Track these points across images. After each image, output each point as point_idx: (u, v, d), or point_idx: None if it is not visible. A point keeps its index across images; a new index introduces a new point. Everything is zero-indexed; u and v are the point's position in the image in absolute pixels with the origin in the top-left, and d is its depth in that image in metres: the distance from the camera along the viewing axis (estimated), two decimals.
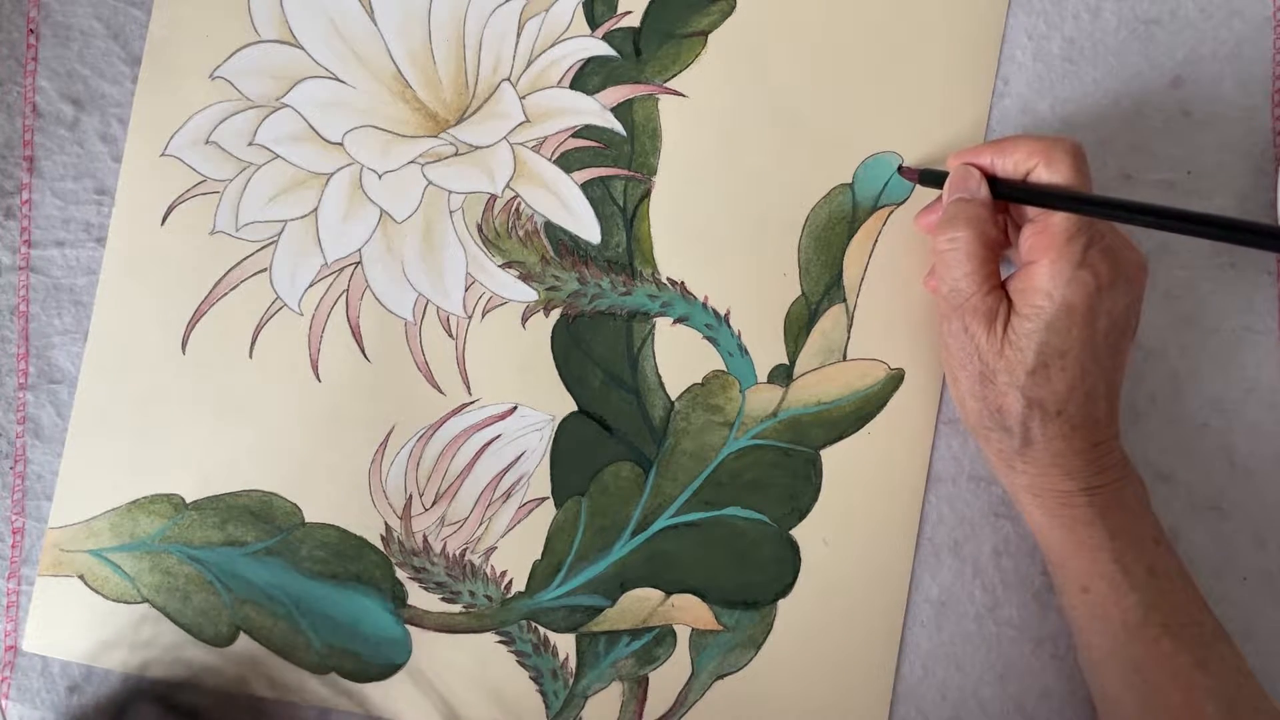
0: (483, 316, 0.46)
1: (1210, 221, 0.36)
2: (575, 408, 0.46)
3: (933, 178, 0.43)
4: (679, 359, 0.46)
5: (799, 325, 0.46)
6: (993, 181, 0.40)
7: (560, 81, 0.46)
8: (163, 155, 0.46)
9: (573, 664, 0.45)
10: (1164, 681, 0.38)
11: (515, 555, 0.45)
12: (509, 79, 0.46)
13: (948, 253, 0.40)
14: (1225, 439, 0.46)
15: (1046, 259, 0.38)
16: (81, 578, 0.45)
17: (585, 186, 0.46)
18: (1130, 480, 0.41)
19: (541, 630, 0.45)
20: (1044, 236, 0.39)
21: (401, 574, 0.45)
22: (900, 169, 0.45)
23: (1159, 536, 0.40)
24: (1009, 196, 0.40)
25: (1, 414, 0.46)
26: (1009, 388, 0.39)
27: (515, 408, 0.46)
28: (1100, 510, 0.39)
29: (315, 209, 0.46)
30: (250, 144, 0.46)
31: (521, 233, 0.46)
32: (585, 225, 0.46)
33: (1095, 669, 0.41)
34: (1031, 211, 0.40)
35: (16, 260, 0.46)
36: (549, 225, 0.46)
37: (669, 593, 0.45)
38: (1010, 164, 0.40)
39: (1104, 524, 0.39)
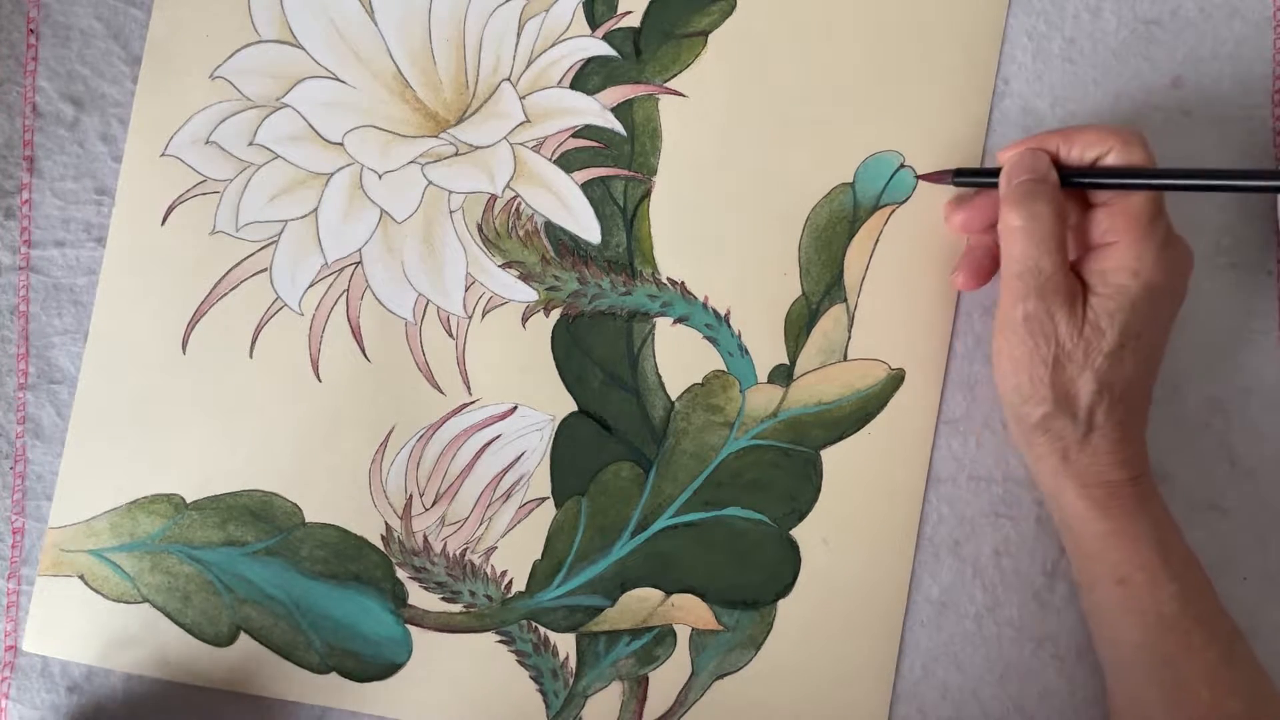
0: (483, 316, 0.46)
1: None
2: (575, 408, 0.46)
3: (973, 175, 0.43)
4: (679, 359, 0.46)
5: (799, 325, 0.46)
6: (1058, 168, 0.40)
7: (560, 81, 0.46)
8: (163, 155, 0.46)
9: (573, 664, 0.45)
10: (1191, 676, 0.39)
11: (515, 555, 0.45)
12: (509, 79, 0.46)
13: (1022, 229, 0.39)
14: (1225, 439, 0.46)
15: (1128, 239, 0.39)
16: (81, 578, 0.45)
17: (585, 186, 0.46)
18: (1149, 473, 0.41)
19: (541, 630, 0.45)
20: (1124, 218, 0.39)
21: (402, 574, 0.45)
22: (921, 175, 0.45)
23: (1179, 529, 0.41)
24: (1083, 181, 0.40)
25: (1, 414, 0.46)
26: (1083, 370, 0.39)
27: (515, 408, 0.46)
28: (1142, 500, 0.40)
29: (315, 209, 0.46)
30: (250, 144, 0.46)
31: (521, 233, 0.46)
32: (585, 225, 0.46)
33: (1120, 665, 0.41)
34: (1102, 196, 0.40)
35: (16, 260, 0.46)
36: (549, 225, 0.46)
37: (669, 593, 0.45)
38: (1076, 151, 0.40)
39: (1146, 513, 0.40)
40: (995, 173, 0.42)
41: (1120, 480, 0.40)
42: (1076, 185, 0.40)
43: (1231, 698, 0.38)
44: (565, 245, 0.46)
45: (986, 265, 0.43)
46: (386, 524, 0.45)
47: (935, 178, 0.44)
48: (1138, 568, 0.40)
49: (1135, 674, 0.40)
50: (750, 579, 0.45)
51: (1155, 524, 0.40)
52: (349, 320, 0.46)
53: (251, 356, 0.46)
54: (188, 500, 0.45)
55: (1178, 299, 0.41)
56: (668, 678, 0.45)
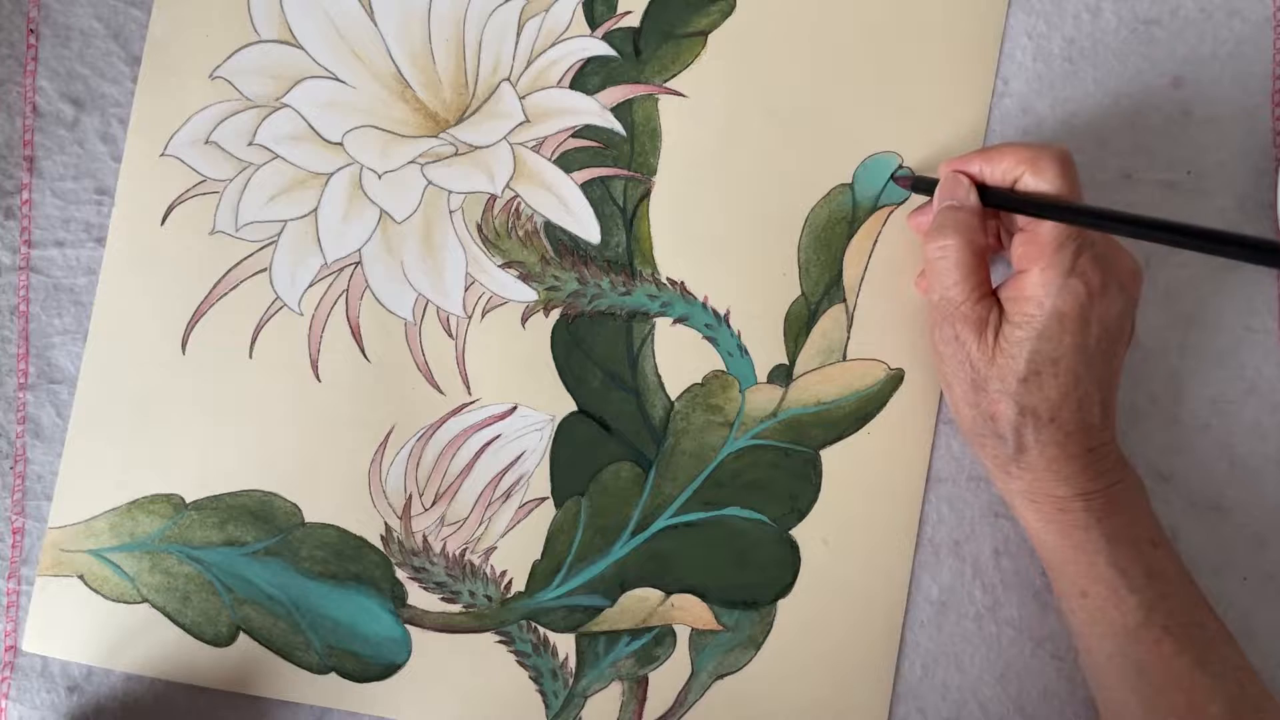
0: (483, 316, 0.46)
1: (1197, 234, 0.35)
2: (575, 408, 0.46)
3: (925, 184, 0.44)
4: (679, 359, 0.46)
5: (799, 325, 0.46)
6: (982, 189, 0.40)
7: (560, 81, 0.46)
8: (163, 155, 0.46)
9: (572, 664, 0.45)
10: (1167, 683, 0.38)
11: (515, 555, 0.45)
12: (509, 79, 0.46)
13: (938, 260, 0.40)
14: (1225, 439, 0.46)
15: (1036, 267, 0.38)
16: (81, 578, 0.45)
17: (585, 186, 0.46)
18: (1128, 483, 0.41)
19: (541, 630, 0.45)
20: (1033, 245, 0.39)
21: (401, 574, 0.45)
22: (894, 177, 0.45)
23: (1157, 538, 0.40)
24: (997, 204, 0.40)
25: (1, 414, 0.46)
26: (1001, 395, 0.39)
27: (515, 408, 0.46)
28: (1097, 515, 0.39)
29: (315, 209, 0.46)
30: (250, 144, 0.46)
31: (521, 233, 0.46)
32: (585, 225, 0.46)
33: (1097, 673, 0.41)
34: (1021, 220, 0.40)
35: (16, 260, 0.46)
36: (549, 225, 0.46)
37: (669, 593, 0.45)
38: (999, 171, 0.40)
39: (1100, 528, 0.39)
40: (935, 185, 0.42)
41: (1065, 496, 0.39)
42: (996, 207, 0.40)
43: (1211, 703, 0.38)
44: (565, 245, 0.46)
45: None
46: (386, 524, 0.45)
47: (901, 180, 0.45)
48: (1094, 580, 0.39)
49: (1112, 680, 0.40)
50: (750, 579, 0.45)
51: (1110, 539, 0.39)
52: (349, 320, 0.46)
53: (251, 356, 0.46)
54: (187, 500, 0.45)
55: (1107, 324, 0.39)
56: (667, 678, 0.45)
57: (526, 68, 0.46)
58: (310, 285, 0.46)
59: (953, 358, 0.40)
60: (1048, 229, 0.38)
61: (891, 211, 0.46)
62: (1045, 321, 0.38)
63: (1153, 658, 0.38)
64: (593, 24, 0.46)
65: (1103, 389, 0.40)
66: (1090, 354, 0.39)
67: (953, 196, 0.41)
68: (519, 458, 0.46)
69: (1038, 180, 0.39)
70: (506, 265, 0.46)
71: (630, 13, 0.46)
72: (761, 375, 0.46)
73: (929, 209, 0.43)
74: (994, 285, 0.41)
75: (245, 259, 0.46)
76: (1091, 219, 0.37)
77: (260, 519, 0.45)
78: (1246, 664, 0.39)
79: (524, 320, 0.46)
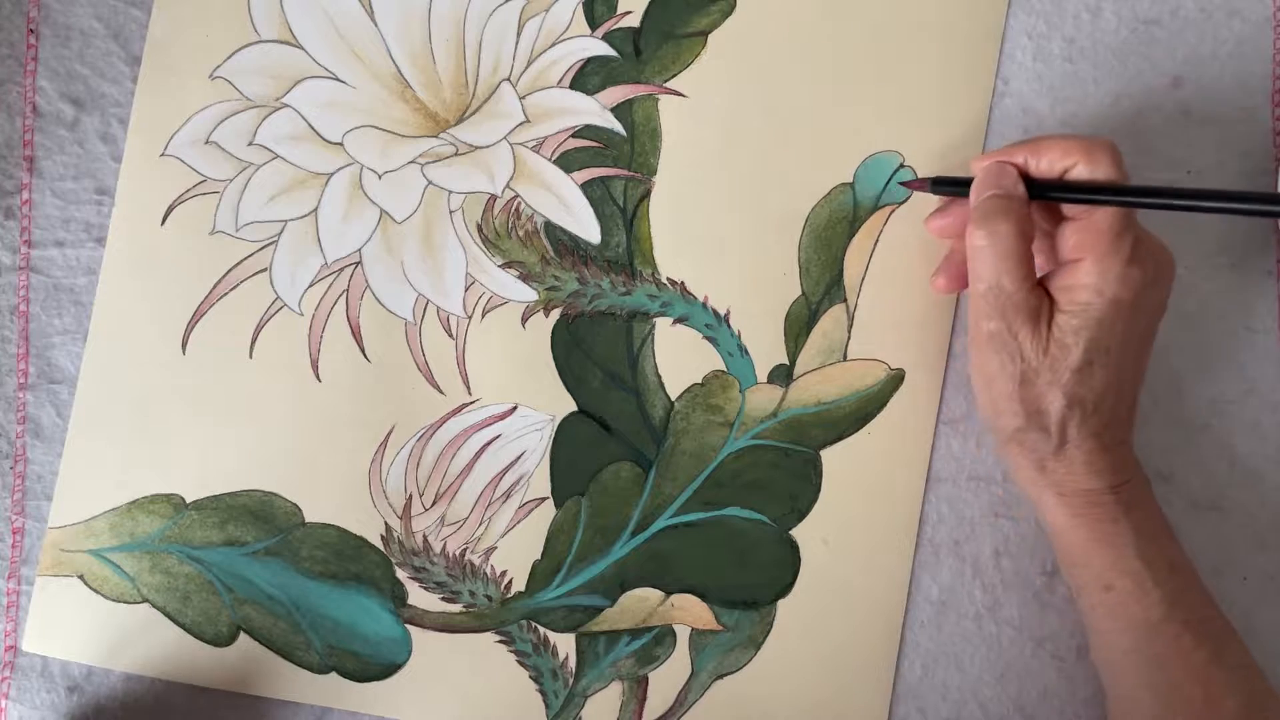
0: (483, 316, 0.46)
1: (1263, 199, 0.36)
2: (575, 408, 0.46)
3: (949, 183, 0.43)
4: (679, 359, 0.46)
5: (799, 325, 0.46)
6: (1027, 180, 0.40)
7: (560, 81, 0.46)
8: (163, 155, 0.46)
9: (572, 664, 0.45)
10: (1184, 678, 0.39)
11: (515, 555, 0.45)
12: (509, 79, 0.46)
13: (986, 248, 0.39)
14: (1225, 439, 0.46)
15: (1093, 255, 0.38)
16: (81, 578, 0.45)
17: (585, 186, 0.46)
18: (1141, 478, 0.41)
19: (541, 630, 0.45)
20: (1090, 234, 0.39)
21: (401, 574, 0.45)
22: (903, 181, 0.45)
23: (1170, 533, 0.41)
24: (1050, 194, 0.40)
25: (1, 414, 0.46)
26: (1050, 386, 0.39)
27: (515, 408, 0.46)
28: (1124, 508, 0.40)
29: (315, 209, 0.46)
30: (250, 144, 0.46)
31: (521, 233, 0.46)
32: (585, 225, 0.46)
33: (1113, 668, 0.41)
34: (1071, 209, 0.40)
35: (16, 260, 0.46)
36: (549, 225, 0.46)
37: (669, 593, 0.45)
38: (1045, 163, 0.40)
39: (1128, 521, 0.39)
40: (969, 182, 0.41)
41: (1098, 489, 0.40)
42: (1044, 198, 0.40)
43: (1226, 697, 0.38)
44: (565, 245, 0.46)
45: (965, 271, 0.43)
46: (386, 524, 0.45)
47: (917, 185, 0.45)
48: (1121, 574, 0.39)
49: (1128, 676, 0.40)
50: (750, 579, 0.45)
51: (1137, 531, 0.39)
52: (349, 320, 0.46)
53: (251, 356, 0.46)
54: (187, 500, 0.45)
55: (1152, 313, 0.40)
56: (668, 678, 0.45)
57: (527, 68, 0.46)
58: (310, 285, 0.46)
59: (1000, 352, 0.39)
60: (1105, 217, 0.38)
61: (892, 211, 0.46)
62: (1104, 310, 0.38)
63: (1171, 652, 0.39)
64: (593, 24, 0.46)
65: (1136, 379, 0.40)
66: (1135, 343, 0.39)
67: (998, 186, 0.40)
68: (519, 458, 0.46)
69: (1093, 170, 0.39)
70: (506, 265, 0.46)
71: (630, 13, 0.46)
72: (762, 375, 0.46)
73: (950, 210, 0.43)
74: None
75: (245, 259, 0.46)
76: (1153, 199, 0.38)
77: (260, 519, 0.45)
78: (1254, 660, 0.40)
79: (524, 320, 0.46)
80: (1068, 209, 0.40)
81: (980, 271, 0.40)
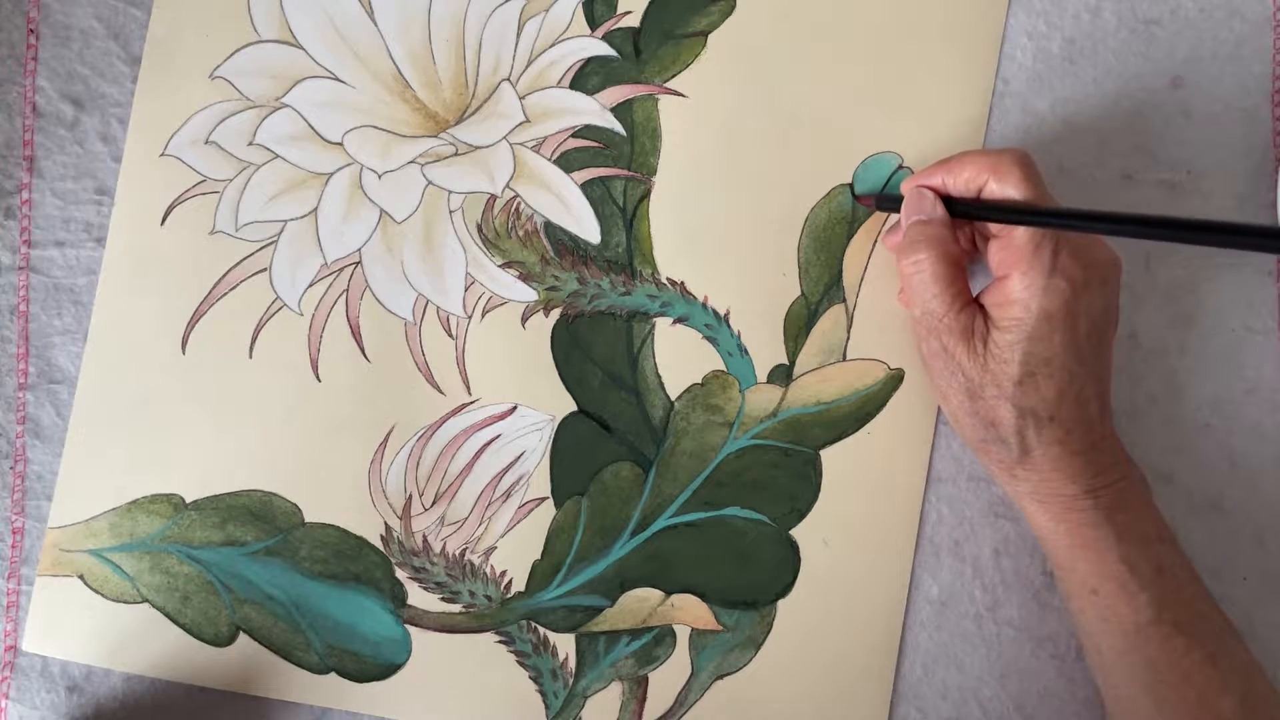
0: (483, 316, 0.46)
1: (1165, 224, 0.35)
2: (575, 408, 0.46)
3: (889, 202, 0.44)
4: (679, 359, 0.46)
5: (799, 325, 0.46)
6: (948, 200, 0.41)
7: (560, 81, 0.46)
8: (163, 155, 0.46)
9: (572, 664, 0.45)
10: (1178, 680, 0.38)
11: (515, 555, 0.45)
12: (509, 79, 0.46)
13: (913, 276, 0.40)
14: (1225, 439, 0.46)
15: (1017, 271, 0.38)
16: (81, 578, 0.45)
17: (585, 186, 0.46)
18: (1132, 478, 0.41)
19: (541, 630, 0.45)
20: (1010, 250, 0.39)
21: (401, 574, 0.45)
22: (856, 196, 0.45)
23: (1164, 534, 0.40)
24: (965, 214, 0.40)
25: (1, 414, 0.46)
26: (998, 400, 0.39)
27: (515, 408, 0.46)
28: (1105, 511, 0.39)
29: (315, 209, 0.46)
30: (250, 144, 0.46)
31: (521, 233, 0.46)
32: (585, 225, 0.46)
33: (1107, 671, 0.41)
34: (994, 226, 0.40)
35: (16, 260, 0.46)
36: (549, 225, 0.46)
37: (669, 593, 0.45)
38: (962, 181, 0.40)
39: (1109, 525, 0.39)
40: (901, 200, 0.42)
41: (1073, 494, 0.40)
42: (963, 217, 0.41)
43: (1222, 697, 0.38)
44: (565, 245, 0.46)
45: None
46: (386, 524, 0.45)
47: (865, 200, 0.45)
48: (1104, 578, 0.39)
49: (1122, 679, 0.40)
50: (750, 579, 0.45)
51: (1120, 535, 0.39)
52: (349, 320, 0.46)
53: (251, 356, 0.46)
54: (187, 500, 0.45)
55: (1097, 316, 0.39)
56: (667, 678, 0.45)
57: (526, 68, 0.46)
58: (310, 285, 0.46)
59: (944, 370, 0.40)
60: (1021, 233, 0.38)
61: (861, 205, 0.46)
62: (1034, 324, 0.38)
63: (1164, 654, 0.39)
64: (593, 24, 0.46)
65: (1097, 382, 0.40)
66: (1081, 349, 0.39)
67: (919, 211, 0.41)
68: (519, 458, 0.46)
69: (1002, 186, 0.39)
70: (506, 265, 0.46)
71: (630, 13, 0.46)
72: (761, 375, 0.46)
73: (899, 226, 0.43)
74: (975, 292, 0.41)
75: (245, 259, 0.46)
76: (1055, 219, 0.37)
77: (260, 519, 0.45)
78: (1254, 659, 0.39)
79: (524, 320, 0.46)
80: (990, 228, 0.40)
81: (912, 297, 0.41)
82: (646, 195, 0.46)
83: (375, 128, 0.46)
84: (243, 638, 0.45)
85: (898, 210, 0.43)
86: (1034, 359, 0.38)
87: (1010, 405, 0.39)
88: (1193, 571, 0.40)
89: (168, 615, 0.45)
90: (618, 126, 0.46)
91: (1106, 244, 0.40)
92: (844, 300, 0.46)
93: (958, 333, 0.40)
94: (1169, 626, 0.39)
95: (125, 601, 0.45)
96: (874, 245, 0.46)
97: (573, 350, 0.46)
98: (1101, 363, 0.40)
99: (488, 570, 0.45)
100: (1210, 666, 0.38)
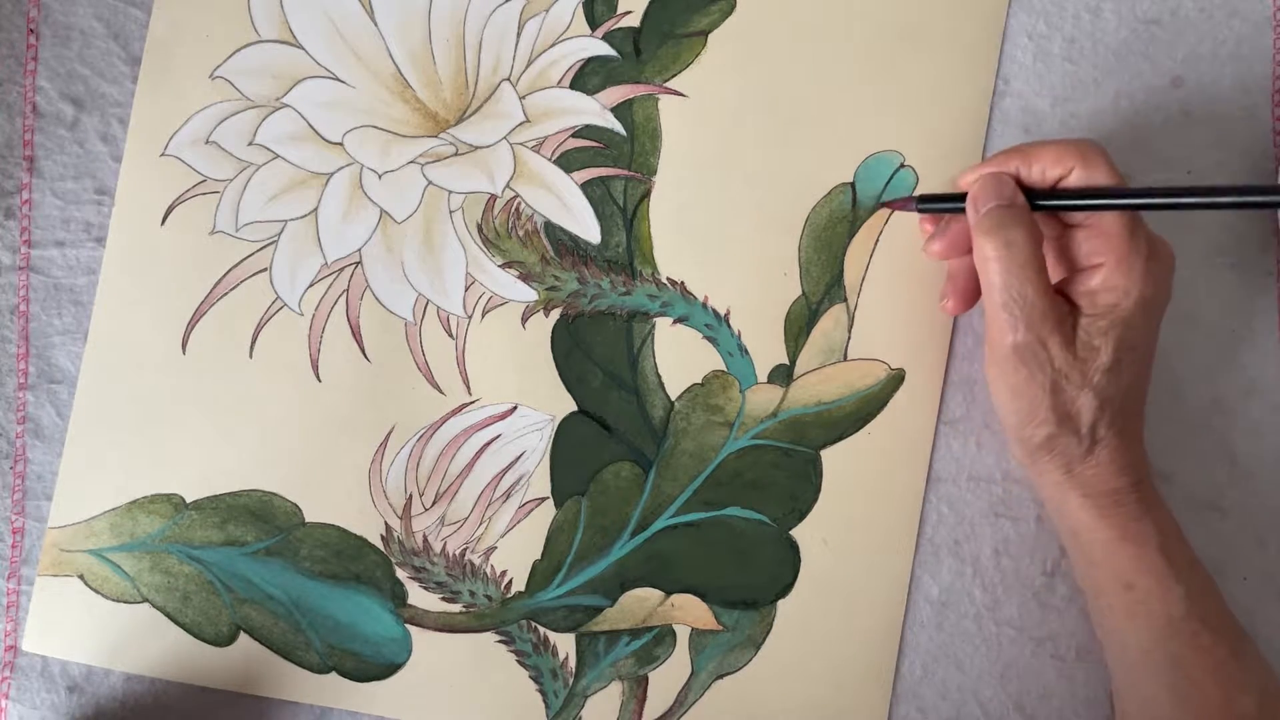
0: (483, 316, 0.46)
1: (1262, 191, 0.37)
2: (575, 408, 0.46)
3: (939, 200, 0.43)
4: (679, 359, 0.46)
5: (799, 325, 0.46)
6: (1028, 190, 0.40)
7: (560, 81, 0.46)
8: (163, 155, 0.46)
9: (572, 664, 0.45)
10: (1203, 676, 0.39)
11: (515, 555, 0.45)
12: (509, 79, 0.46)
13: (1001, 259, 0.38)
14: (1225, 439, 0.46)
15: (1113, 258, 0.39)
16: (81, 578, 0.45)
17: (585, 186, 0.46)
18: (1152, 478, 0.41)
19: (541, 630, 0.45)
20: (1103, 238, 0.39)
21: (401, 574, 0.45)
22: (884, 202, 0.45)
23: (1182, 533, 0.41)
24: (1052, 203, 0.39)
25: (1, 414, 0.46)
26: (1081, 389, 0.39)
27: (515, 408, 0.46)
28: (1146, 505, 0.40)
29: (315, 209, 0.46)
30: (250, 144, 0.46)
31: (521, 233, 0.46)
32: (585, 225, 0.46)
33: (1129, 669, 0.41)
34: (1076, 217, 0.40)
35: (16, 260, 0.46)
36: (549, 225, 0.46)
37: (669, 593, 0.45)
38: (1036, 171, 0.40)
39: (1151, 518, 0.40)
40: (960, 198, 0.41)
41: (1123, 486, 0.40)
42: (1043, 209, 0.40)
43: (1243, 694, 0.38)
44: (565, 245, 0.46)
45: (973, 287, 0.42)
46: (386, 524, 0.45)
47: (899, 205, 0.44)
48: (1143, 572, 0.39)
49: (1145, 676, 0.40)
50: (750, 579, 0.45)
51: (1159, 528, 0.40)
52: (349, 320, 0.46)
53: (251, 356, 0.46)
54: (187, 500, 0.45)
55: (1166, 302, 0.40)
56: (667, 678, 0.45)
57: (527, 68, 0.46)
58: (310, 285, 0.46)
59: (1028, 363, 0.39)
60: (1114, 220, 0.39)
61: (893, 211, 0.46)
62: (1132, 309, 0.38)
63: (1190, 649, 0.39)
64: (593, 24, 0.46)
65: (1150, 372, 0.41)
66: (1154, 335, 0.40)
67: (999, 197, 0.39)
68: (519, 458, 0.46)
69: (1090, 175, 0.39)
70: (506, 265, 0.46)
71: (630, 13, 0.46)
72: (762, 375, 0.46)
73: (950, 230, 0.42)
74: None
75: (245, 259, 0.46)
76: (1167, 199, 0.38)
77: (260, 519, 0.45)
78: (1266, 659, 0.40)
79: (524, 320, 0.46)
80: (1072, 216, 0.40)
81: (997, 284, 0.39)
82: (646, 195, 0.46)
83: (375, 128, 0.46)
84: (243, 637, 0.45)
85: (947, 210, 0.42)
86: (1124, 345, 0.39)
87: (1093, 394, 0.39)
88: (1207, 569, 0.41)
89: (168, 615, 0.45)
90: (618, 126, 0.46)
91: (1159, 235, 0.41)
92: (845, 300, 0.46)
93: (1053, 319, 0.38)
94: (1197, 622, 0.39)
95: (125, 601, 0.45)
96: (875, 245, 0.46)
97: (573, 350, 0.46)
98: (1154, 353, 0.41)
99: (488, 570, 0.45)
100: (1234, 663, 0.39)
